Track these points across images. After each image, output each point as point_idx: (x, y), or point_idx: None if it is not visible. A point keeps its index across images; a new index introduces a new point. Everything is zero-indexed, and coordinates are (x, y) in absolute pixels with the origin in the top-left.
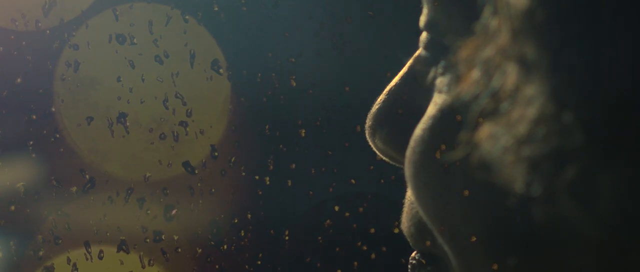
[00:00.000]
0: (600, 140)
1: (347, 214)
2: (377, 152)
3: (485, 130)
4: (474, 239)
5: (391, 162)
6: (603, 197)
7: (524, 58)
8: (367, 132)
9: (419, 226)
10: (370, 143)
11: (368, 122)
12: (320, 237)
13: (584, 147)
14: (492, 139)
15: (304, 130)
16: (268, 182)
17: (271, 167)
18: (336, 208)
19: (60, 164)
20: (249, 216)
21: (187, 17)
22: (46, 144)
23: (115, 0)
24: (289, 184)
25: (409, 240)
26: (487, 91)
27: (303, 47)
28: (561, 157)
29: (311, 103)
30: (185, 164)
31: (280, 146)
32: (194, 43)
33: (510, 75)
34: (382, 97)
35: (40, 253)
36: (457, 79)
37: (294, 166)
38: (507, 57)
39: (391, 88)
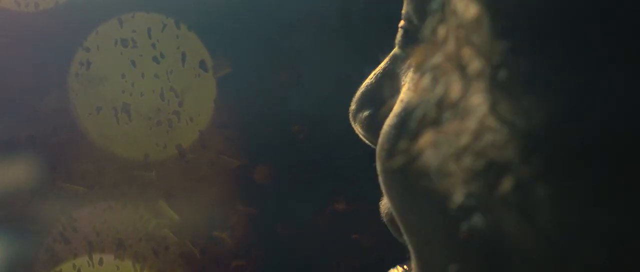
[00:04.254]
0: (538, 154)
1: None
2: (360, 136)
3: (428, 138)
4: (424, 239)
5: (373, 146)
6: (540, 209)
7: (467, 69)
8: (350, 115)
9: (392, 214)
10: (353, 126)
11: (351, 105)
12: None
13: (521, 160)
14: (433, 147)
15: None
16: (248, 162)
17: (251, 149)
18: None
19: (75, 145)
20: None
21: (179, 24)
22: (63, 130)
23: (119, 10)
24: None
25: (386, 223)
26: (432, 98)
27: (281, 47)
28: (499, 169)
29: (286, 94)
30: (178, 146)
31: (259, 131)
32: (185, 46)
33: (453, 84)
34: (366, 81)
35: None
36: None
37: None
38: (452, 66)
39: (375, 73)
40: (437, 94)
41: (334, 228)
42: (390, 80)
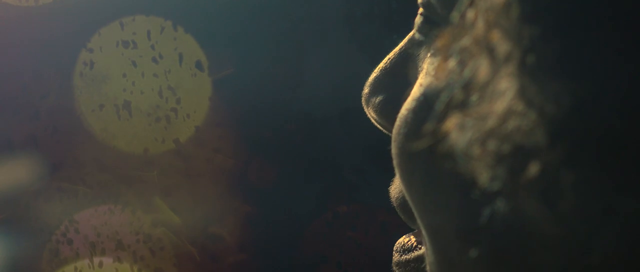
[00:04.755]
0: (564, 140)
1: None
2: (371, 119)
3: (454, 121)
4: (441, 222)
5: (385, 132)
6: (564, 196)
7: (496, 52)
8: (363, 99)
9: (403, 199)
10: (365, 110)
11: (365, 89)
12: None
13: (547, 145)
14: (459, 130)
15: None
16: (242, 156)
17: (244, 144)
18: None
19: (79, 139)
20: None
21: (177, 27)
22: (67, 125)
23: (121, 13)
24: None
25: (396, 208)
26: (459, 81)
27: (272, 48)
28: (524, 153)
29: (282, 92)
30: (175, 141)
31: (252, 127)
32: (182, 47)
33: (481, 68)
34: (380, 65)
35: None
36: (440, 64)
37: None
38: (480, 50)
39: (389, 57)
40: (464, 76)
41: (333, 227)
42: (406, 65)
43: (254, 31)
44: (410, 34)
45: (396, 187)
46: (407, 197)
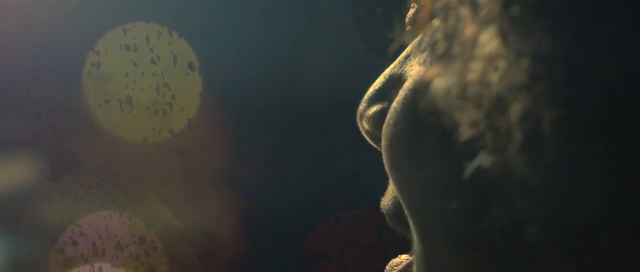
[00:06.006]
0: (545, 80)
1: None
2: (364, 135)
3: (436, 70)
4: (425, 189)
5: (376, 146)
6: (545, 142)
7: (477, 3)
8: (357, 115)
9: (397, 204)
10: (359, 125)
11: (360, 105)
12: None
13: (527, 87)
14: (442, 79)
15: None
16: (239, 157)
17: (230, 133)
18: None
19: (87, 130)
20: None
21: (172, 32)
22: (77, 117)
23: (123, 21)
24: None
25: (387, 219)
26: (441, 32)
27: (264, 48)
28: (506, 98)
29: (276, 91)
30: (170, 131)
31: (237, 120)
32: (176, 50)
33: (463, 19)
34: (375, 83)
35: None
36: (433, 52)
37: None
38: (462, 3)
39: (384, 74)
40: (447, 28)
41: (332, 225)
42: (400, 78)
43: (253, 31)
44: (409, 46)
45: (387, 198)
46: (397, 191)
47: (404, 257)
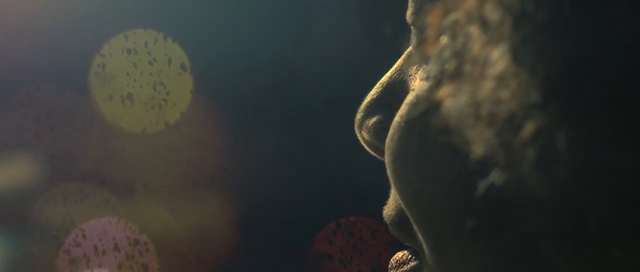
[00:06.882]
0: (558, 98)
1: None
2: (363, 144)
3: (447, 90)
4: (436, 205)
5: (378, 156)
6: (559, 158)
7: (487, 21)
8: (355, 124)
9: (400, 214)
10: (358, 134)
11: (357, 114)
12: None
13: (541, 105)
14: (453, 98)
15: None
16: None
17: (219, 125)
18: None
19: (87, 130)
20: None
21: (167, 38)
22: (84, 112)
23: (125, 27)
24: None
25: (390, 228)
26: (451, 52)
27: (247, 52)
28: (519, 116)
29: (270, 89)
30: (165, 123)
31: (235, 118)
32: (171, 53)
33: (473, 38)
34: (372, 91)
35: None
36: (442, 71)
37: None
38: (471, 21)
39: (381, 82)
40: (456, 47)
41: (331, 224)
42: (402, 85)
43: (251, 29)
44: (405, 53)
45: (390, 207)
46: (403, 204)
47: (408, 253)
